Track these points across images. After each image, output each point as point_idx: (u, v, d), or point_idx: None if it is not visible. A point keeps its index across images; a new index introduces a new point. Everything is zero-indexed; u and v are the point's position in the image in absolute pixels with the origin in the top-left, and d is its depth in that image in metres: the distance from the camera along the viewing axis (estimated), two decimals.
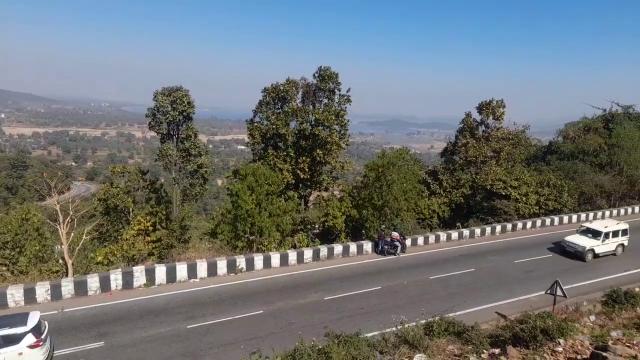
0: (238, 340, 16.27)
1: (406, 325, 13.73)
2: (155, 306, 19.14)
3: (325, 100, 40.68)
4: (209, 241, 30.00)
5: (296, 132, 39.80)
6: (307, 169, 39.31)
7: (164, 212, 33.05)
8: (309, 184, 41.32)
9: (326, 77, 39.45)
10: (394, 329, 14.21)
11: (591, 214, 37.38)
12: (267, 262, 24.36)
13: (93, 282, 20.06)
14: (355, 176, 58.16)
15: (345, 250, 26.94)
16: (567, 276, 22.79)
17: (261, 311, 18.95)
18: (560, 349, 10.63)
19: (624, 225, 28.59)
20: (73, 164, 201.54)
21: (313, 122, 39.37)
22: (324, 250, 26.31)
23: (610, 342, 9.74)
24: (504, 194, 37.22)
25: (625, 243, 28.41)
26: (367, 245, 27.72)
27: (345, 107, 40.51)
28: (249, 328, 17.37)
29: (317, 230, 36.18)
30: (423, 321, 15.01)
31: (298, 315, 18.68)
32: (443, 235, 30.81)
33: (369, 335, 14.58)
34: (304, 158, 39.24)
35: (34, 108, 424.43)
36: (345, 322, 17.78)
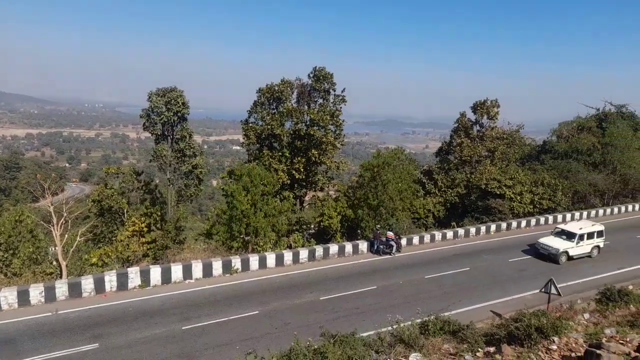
0: (234, 341, 16.24)
1: (402, 325, 13.75)
2: (150, 307, 19.07)
3: (320, 101, 40.65)
4: (204, 242, 29.92)
5: (291, 132, 39.76)
6: (302, 169, 39.30)
7: (159, 213, 32.92)
8: (304, 184, 41.30)
9: (321, 78, 39.44)
10: (390, 328, 14.23)
11: (585, 213, 37.61)
12: (262, 263, 24.33)
13: (87, 283, 19.96)
14: (350, 176, 58.17)
15: (341, 250, 26.96)
16: (560, 275, 22.94)
17: (257, 312, 18.93)
18: (554, 347, 10.68)
19: (599, 227, 27.82)
20: (67, 165, 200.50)
21: (308, 123, 39.35)
22: (319, 250, 26.31)
23: (604, 340, 9.80)
24: (498, 193, 37.38)
25: (601, 245, 27.69)
26: (363, 245, 27.75)
27: (340, 107, 40.52)
28: (244, 329, 17.34)
29: (313, 231, 36.17)
30: (418, 320, 15.03)
31: (294, 316, 18.67)
32: (438, 235, 30.91)
33: (365, 334, 14.59)
34: (299, 158, 39.22)
35: (27, 109, 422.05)
36: (341, 321, 17.80)
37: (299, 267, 24.98)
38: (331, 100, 40.51)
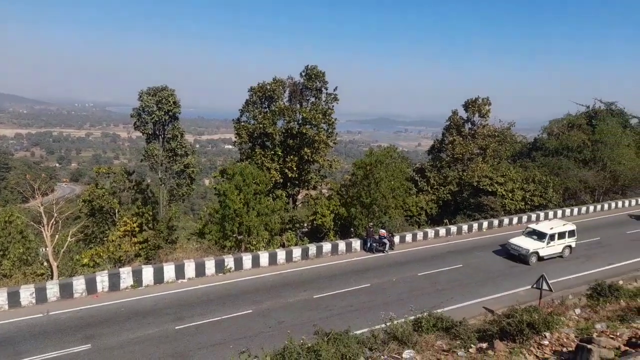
0: (227, 340, 16.20)
1: (395, 322, 13.80)
2: (142, 307, 18.96)
3: (313, 99, 40.62)
4: (197, 241, 29.80)
5: (283, 131, 39.69)
6: (295, 168, 39.26)
7: (151, 213, 32.74)
8: (297, 182, 41.28)
9: (313, 76, 39.41)
10: (383, 325, 14.28)
11: (576, 209, 37.97)
12: (255, 262, 24.27)
13: (79, 284, 19.79)
14: (343, 174, 58.23)
15: (334, 248, 26.97)
16: (553, 270, 23.14)
17: (250, 311, 18.89)
18: (546, 342, 10.78)
19: (570, 227, 27.25)
20: (57, 165, 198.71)
21: (300, 121, 39.30)
22: (312, 248, 26.30)
23: (595, 335, 9.91)
24: (490, 190, 37.61)
25: (573, 245, 27.26)
26: (356, 243, 27.79)
27: (333, 106, 40.51)
28: (238, 328, 17.29)
29: (306, 229, 36.18)
30: (412, 317, 15.09)
31: (287, 314, 18.65)
32: (431, 232, 31.02)
33: (358, 332, 14.64)
34: (291, 157, 39.17)
35: (16, 109, 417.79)
36: (334, 319, 17.81)
37: (292, 265, 24.95)
38: (323, 99, 40.50)
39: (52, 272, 23.89)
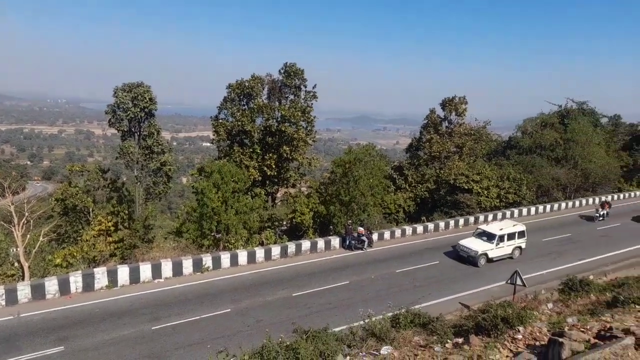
0: (205, 340, 16.05)
1: (373, 319, 13.88)
2: (118, 308, 18.61)
3: (291, 97, 40.49)
4: (174, 240, 29.39)
5: (262, 128, 39.47)
6: (274, 166, 39.10)
7: (126, 212, 32.15)
8: (276, 180, 41.12)
9: (292, 74, 39.28)
10: (362, 322, 14.37)
11: (548, 206, 38.92)
12: (234, 260, 24.10)
13: (51, 285, 19.29)
14: (322, 172, 58.36)
15: (313, 246, 27.00)
16: (526, 266, 23.67)
17: (228, 310, 18.75)
18: (519, 336, 11.00)
19: (520, 227, 26.84)
20: (28, 162, 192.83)
21: (279, 119, 39.15)
22: (291, 246, 26.27)
23: (566, 328, 10.15)
24: (466, 187, 38.24)
25: (523, 246, 26.85)
26: (335, 241, 27.87)
27: (312, 104, 40.46)
28: (216, 327, 17.16)
29: (285, 227, 36.09)
30: (390, 314, 15.22)
31: (266, 313, 18.60)
32: (409, 229, 31.35)
33: (337, 329, 14.69)
34: (270, 155, 38.99)
35: None
36: (313, 317, 17.84)
37: (271, 264, 24.87)
38: (302, 97, 40.40)
39: (23, 273, 23.23)
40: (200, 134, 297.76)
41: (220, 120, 39.77)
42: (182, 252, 25.98)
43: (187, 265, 22.64)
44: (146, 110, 32.46)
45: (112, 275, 20.68)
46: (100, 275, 20.43)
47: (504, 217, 35.72)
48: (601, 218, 35.32)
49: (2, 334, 15.98)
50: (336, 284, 21.92)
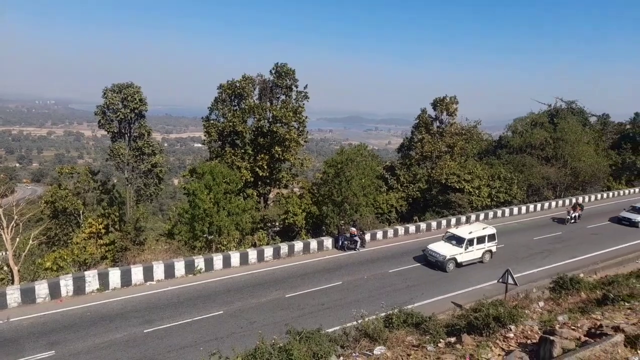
0: (198, 342, 15.96)
1: (366, 319, 13.90)
2: (109, 311, 18.45)
3: (283, 97, 40.37)
4: (166, 242, 29.23)
5: (254, 129, 39.33)
6: (266, 167, 38.97)
7: (117, 214, 31.93)
8: (268, 181, 40.99)
9: (283, 74, 39.17)
10: (355, 323, 14.36)
11: (539, 205, 39.26)
12: (226, 262, 24.01)
13: (41, 289, 19.07)
14: (314, 173, 58.27)
15: (306, 247, 26.98)
16: (517, 265, 23.85)
17: (221, 312, 18.68)
18: (511, 335, 11.08)
19: (491, 230, 25.93)
20: (17, 165, 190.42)
21: (271, 119, 39.02)
22: (284, 247, 26.23)
23: (557, 326, 10.25)
24: (457, 187, 38.46)
25: (493, 249, 26.06)
26: (328, 242, 27.88)
27: (303, 104, 40.38)
28: (209, 329, 17.08)
29: (278, 228, 36.04)
30: (383, 314, 15.24)
31: (259, 314, 18.55)
32: (401, 229, 31.46)
33: (330, 330, 14.72)
34: (262, 155, 38.87)
35: None
36: (306, 318, 17.84)
37: (263, 265, 24.81)
38: (293, 97, 40.30)
39: (12, 276, 22.94)
40: (192, 134, 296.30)
41: (212, 121, 39.56)
42: (174, 254, 25.84)
43: (179, 267, 22.52)
44: (136, 111, 32.29)
45: (103, 278, 20.50)
46: (91, 279, 20.24)
47: (495, 216, 35.95)
48: (572, 220, 34.77)
49: None
50: (329, 285, 21.93)
